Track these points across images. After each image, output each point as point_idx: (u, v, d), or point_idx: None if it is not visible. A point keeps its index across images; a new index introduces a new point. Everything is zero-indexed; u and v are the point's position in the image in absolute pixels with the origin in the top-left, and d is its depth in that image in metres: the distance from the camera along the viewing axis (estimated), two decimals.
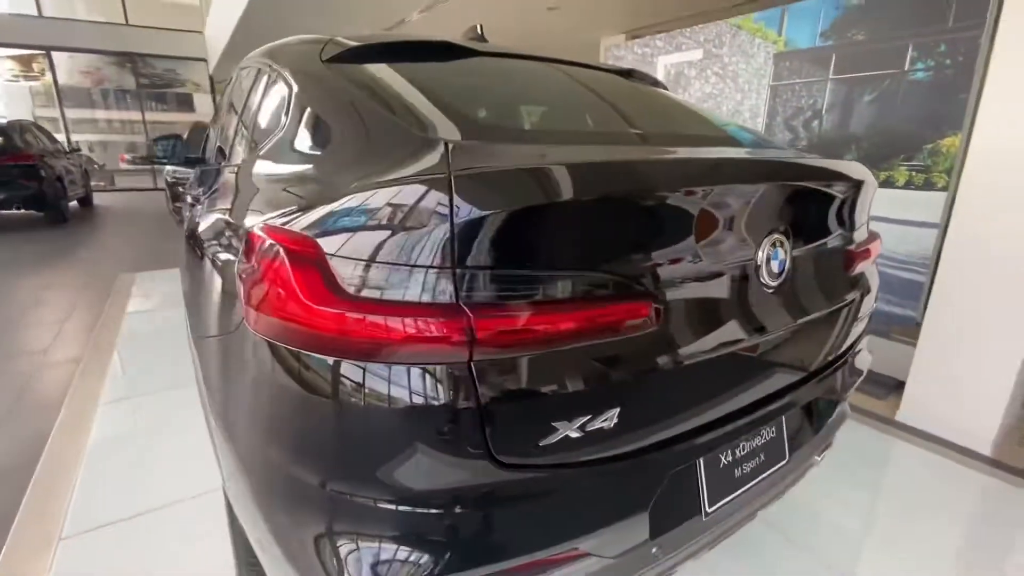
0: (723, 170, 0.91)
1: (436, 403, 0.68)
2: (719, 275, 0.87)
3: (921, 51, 2.42)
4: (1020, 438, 2.24)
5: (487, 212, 0.66)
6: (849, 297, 1.15)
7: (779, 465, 1.04)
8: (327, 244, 0.71)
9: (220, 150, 1.70)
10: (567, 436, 0.74)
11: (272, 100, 1.27)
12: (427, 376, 0.67)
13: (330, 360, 0.69)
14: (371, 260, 0.68)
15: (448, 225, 0.65)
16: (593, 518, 0.79)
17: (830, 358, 1.15)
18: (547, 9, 6.30)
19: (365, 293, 0.68)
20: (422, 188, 0.68)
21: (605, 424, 0.76)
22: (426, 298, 0.67)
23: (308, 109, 1.04)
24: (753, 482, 0.98)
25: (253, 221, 0.87)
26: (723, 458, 0.94)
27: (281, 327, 0.72)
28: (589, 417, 0.75)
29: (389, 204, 0.69)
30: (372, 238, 0.69)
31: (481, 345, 0.67)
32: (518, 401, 0.71)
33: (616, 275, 0.76)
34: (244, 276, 0.81)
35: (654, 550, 0.86)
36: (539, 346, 0.70)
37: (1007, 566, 1.59)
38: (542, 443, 0.73)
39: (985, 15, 2.18)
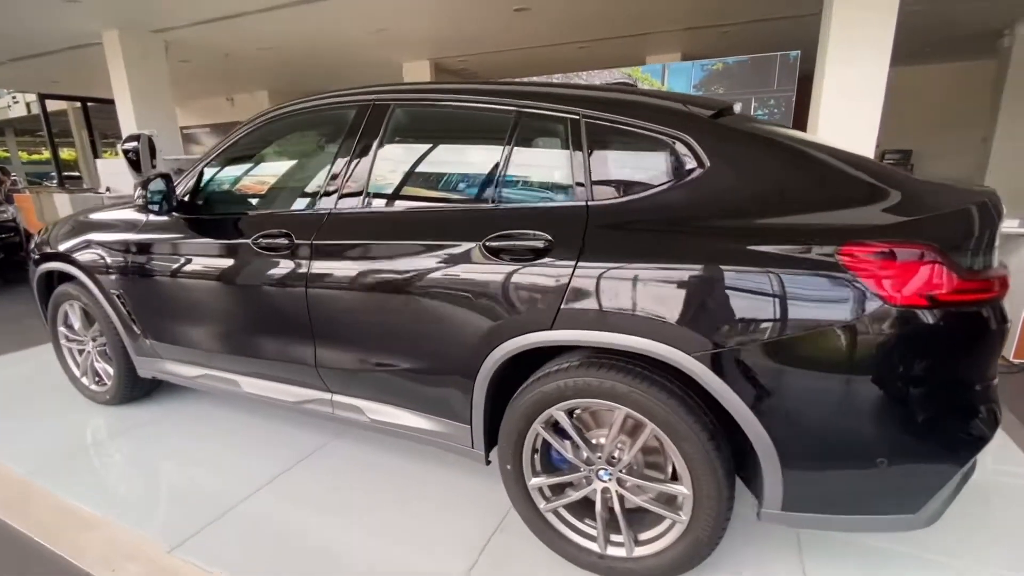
0: None
1: (999, 323, 1.20)
2: None
3: (759, 103, 3.77)
4: None
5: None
6: None
7: None
8: (940, 244, 1.14)
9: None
10: None
11: (627, 150, 1.48)
12: (995, 310, 1.19)
13: (969, 310, 1.14)
14: (969, 250, 1.15)
15: (994, 223, 1.19)
16: None
17: None
18: (376, 31, 6.31)
19: (971, 268, 1.15)
20: (979, 205, 1.19)
21: None
22: (989, 266, 1.19)
23: (758, 159, 1.33)
24: None
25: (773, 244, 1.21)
26: None
27: (936, 299, 1.12)
28: None
29: (967, 218, 1.17)
30: (962, 239, 1.16)
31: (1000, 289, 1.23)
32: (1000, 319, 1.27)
33: None
34: (881, 275, 1.13)
35: None
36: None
37: None
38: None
39: (794, 83, 3.61)
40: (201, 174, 2.14)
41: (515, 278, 1.45)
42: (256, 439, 2.37)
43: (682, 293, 1.26)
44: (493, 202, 1.57)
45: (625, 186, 1.44)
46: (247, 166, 2.17)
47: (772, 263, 1.20)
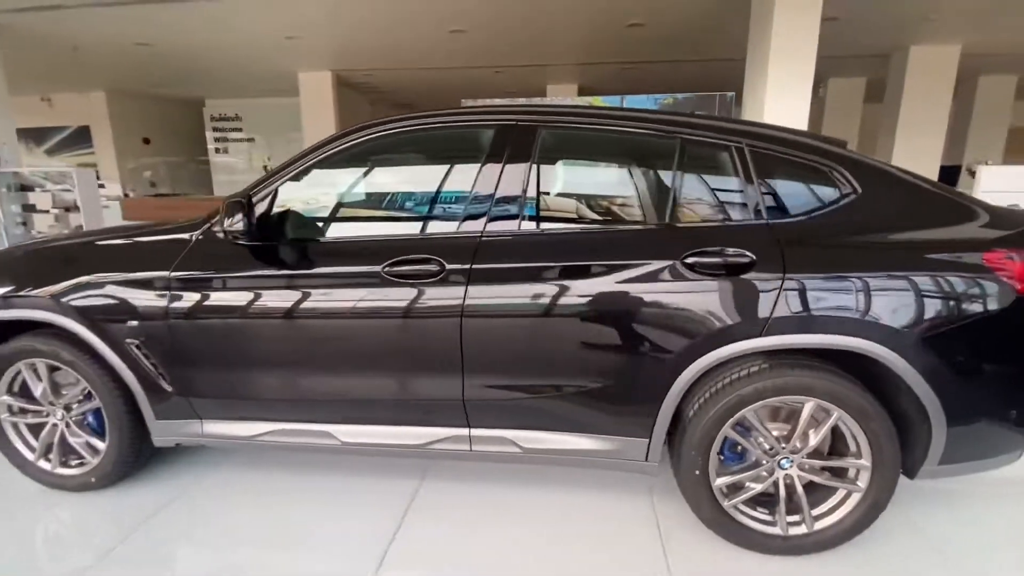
0: None
1: None
2: None
3: None
4: None
5: None
6: None
7: None
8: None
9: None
10: None
11: (788, 177, 1.69)
12: None
13: None
14: None
15: None
16: None
17: None
18: (285, 38, 5.77)
19: None
20: None
21: None
22: None
23: (883, 183, 1.64)
24: None
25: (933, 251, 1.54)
26: None
27: None
28: None
29: None
30: None
31: None
32: None
33: None
34: (1014, 272, 1.49)
35: None
36: None
37: None
38: None
39: (731, 114, 4.29)
40: (276, 194, 1.83)
41: (721, 293, 1.56)
42: (331, 501, 2.03)
43: (880, 296, 1.51)
44: (674, 221, 1.67)
45: (794, 207, 1.66)
46: (346, 186, 1.91)
47: (940, 268, 1.52)
